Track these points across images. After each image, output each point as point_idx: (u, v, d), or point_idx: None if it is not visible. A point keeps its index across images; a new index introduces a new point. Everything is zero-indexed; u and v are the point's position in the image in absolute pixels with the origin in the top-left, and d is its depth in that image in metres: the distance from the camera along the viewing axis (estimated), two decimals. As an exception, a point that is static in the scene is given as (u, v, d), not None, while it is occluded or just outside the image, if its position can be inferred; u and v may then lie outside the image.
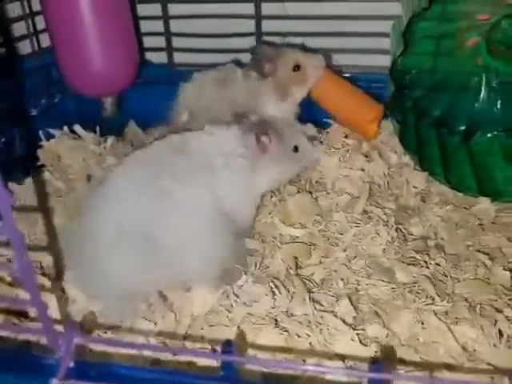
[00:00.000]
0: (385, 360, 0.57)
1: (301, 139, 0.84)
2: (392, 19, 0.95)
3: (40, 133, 1.00)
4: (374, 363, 0.44)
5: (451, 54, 0.92)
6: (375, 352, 0.61)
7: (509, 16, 0.86)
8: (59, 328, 0.43)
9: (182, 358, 0.58)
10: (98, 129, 1.03)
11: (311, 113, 1.00)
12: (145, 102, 1.09)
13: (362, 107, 0.94)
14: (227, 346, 0.46)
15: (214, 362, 0.60)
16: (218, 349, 0.58)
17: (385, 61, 0.98)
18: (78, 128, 1.03)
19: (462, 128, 0.98)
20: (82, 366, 0.41)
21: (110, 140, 1.03)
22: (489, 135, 0.97)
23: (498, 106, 0.96)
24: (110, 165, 0.98)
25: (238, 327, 0.65)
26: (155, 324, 0.68)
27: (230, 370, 0.45)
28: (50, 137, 1.01)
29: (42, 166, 0.97)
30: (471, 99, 0.96)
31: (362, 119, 0.93)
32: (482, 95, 0.95)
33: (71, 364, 0.41)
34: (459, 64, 0.93)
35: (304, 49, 0.98)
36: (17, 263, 0.38)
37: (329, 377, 0.55)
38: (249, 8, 1.02)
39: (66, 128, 1.04)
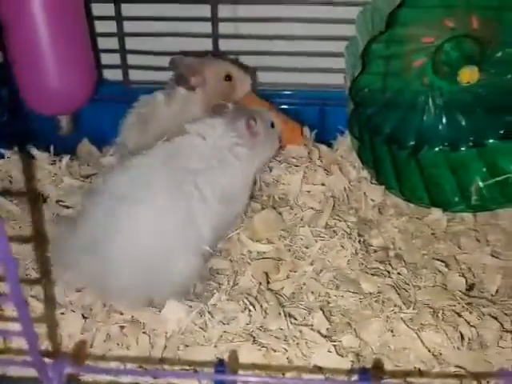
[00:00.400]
0: (373, 369, 0.59)
1: (271, 115, 0.90)
2: (344, 40, 1.00)
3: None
4: (363, 373, 0.45)
5: (400, 74, 0.97)
6: (352, 362, 0.63)
7: (451, 39, 0.93)
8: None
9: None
10: (52, 148, 1.00)
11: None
12: (100, 120, 1.07)
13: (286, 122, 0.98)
14: (220, 365, 0.46)
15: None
16: (199, 369, 0.58)
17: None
18: (31, 148, 0.99)
19: (412, 143, 1.04)
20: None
21: (65, 159, 1.01)
22: (435, 149, 1.05)
23: (444, 122, 1.03)
24: (67, 184, 0.96)
25: (215, 346, 0.65)
26: (127, 348, 0.67)
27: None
28: (-1, 157, 0.97)
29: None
30: (419, 116, 1.02)
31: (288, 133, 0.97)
32: (428, 113, 1.02)
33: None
34: (407, 83, 0.98)
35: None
36: (10, 293, 0.37)
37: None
38: (206, 26, 1.03)
39: (16, 148, 1.00)
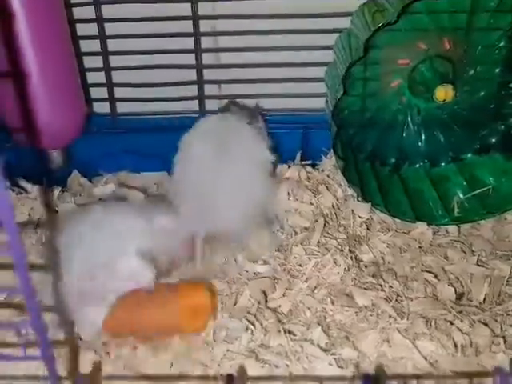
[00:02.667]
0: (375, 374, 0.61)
1: None
2: (323, 65, 1.04)
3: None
4: (366, 378, 0.47)
5: (378, 95, 1.02)
6: (353, 372, 0.65)
7: (424, 60, 0.98)
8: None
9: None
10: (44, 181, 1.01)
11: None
12: (89, 152, 1.09)
13: None
14: (229, 380, 0.48)
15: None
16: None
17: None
18: (22, 181, 1.00)
19: (393, 160, 1.08)
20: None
21: (56, 192, 1.02)
22: (416, 165, 1.09)
23: (422, 139, 1.07)
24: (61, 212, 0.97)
25: (219, 365, 0.66)
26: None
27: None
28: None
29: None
30: (398, 134, 1.07)
31: None
32: (407, 130, 1.07)
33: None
34: (386, 103, 1.03)
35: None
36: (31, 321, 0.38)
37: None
38: (190, 58, 1.07)
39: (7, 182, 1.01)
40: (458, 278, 0.87)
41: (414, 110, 1.04)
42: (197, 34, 1.05)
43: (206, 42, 1.07)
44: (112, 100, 1.10)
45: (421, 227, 0.98)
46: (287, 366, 0.66)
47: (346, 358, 0.68)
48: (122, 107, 1.12)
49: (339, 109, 0.97)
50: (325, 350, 0.68)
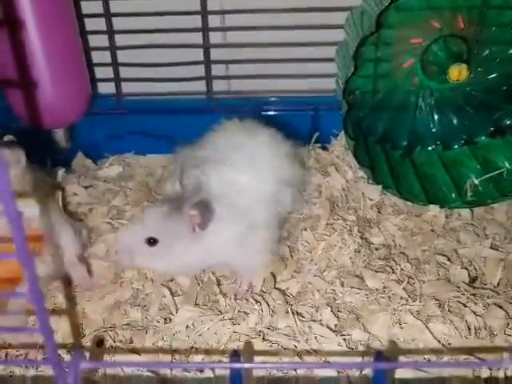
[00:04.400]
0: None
1: None
2: (334, 45, 1.02)
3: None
4: (378, 354, 0.45)
5: (390, 76, 0.99)
6: (363, 354, 0.63)
7: (438, 39, 0.95)
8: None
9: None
10: (48, 161, 1.00)
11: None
12: (93, 133, 1.08)
13: None
14: (235, 355, 0.46)
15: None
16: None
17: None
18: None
19: (404, 143, 1.06)
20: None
21: (61, 172, 1.00)
22: (429, 148, 1.06)
23: (435, 121, 1.05)
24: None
25: (226, 346, 0.65)
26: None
27: (238, 379, 0.46)
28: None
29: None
30: (411, 116, 1.04)
31: None
32: (419, 112, 1.04)
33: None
34: (398, 84, 1.00)
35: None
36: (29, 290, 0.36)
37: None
38: (197, 37, 1.04)
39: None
40: (471, 262, 0.85)
41: (426, 92, 1.02)
42: (204, 13, 1.02)
43: (213, 21, 1.04)
44: (117, 80, 1.08)
45: (433, 210, 0.95)
46: (295, 347, 0.64)
47: (355, 340, 0.66)
48: (127, 87, 1.10)
49: (350, 88, 0.95)
50: (334, 332, 0.66)
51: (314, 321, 0.68)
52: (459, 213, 0.97)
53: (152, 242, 0.71)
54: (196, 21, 1.03)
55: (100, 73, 1.10)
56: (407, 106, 1.03)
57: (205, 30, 1.03)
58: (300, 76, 1.08)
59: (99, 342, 0.65)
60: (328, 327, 0.66)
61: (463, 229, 0.92)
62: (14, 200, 0.34)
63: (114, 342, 0.66)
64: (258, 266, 0.76)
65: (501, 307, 0.73)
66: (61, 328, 0.66)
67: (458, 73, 0.92)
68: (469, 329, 0.70)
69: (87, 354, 0.60)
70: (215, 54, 1.07)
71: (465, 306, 0.73)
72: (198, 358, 0.64)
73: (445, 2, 0.93)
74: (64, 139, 0.97)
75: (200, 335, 0.67)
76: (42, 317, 0.39)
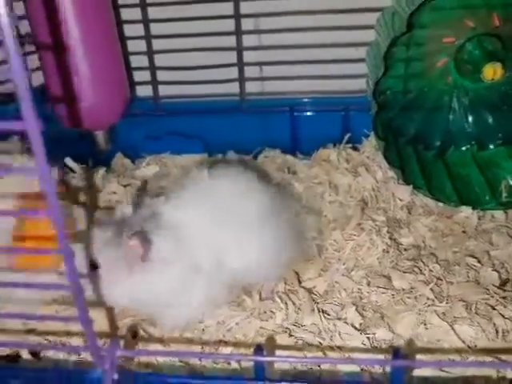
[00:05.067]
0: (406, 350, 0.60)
1: None
2: (364, 45, 1.02)
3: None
4: (396, 352, 0.47)
5: (422, 75, 0.99)
6: (386, 354, 0.64)
7: (472, 38, 0.94)
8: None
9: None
10: (90, 161, 1.05)
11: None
12: (132, 134, 1.12)
13: None
14: (259, 349, 0.48)
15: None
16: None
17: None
18: (68, 161, 1.04)
19: (438, 144, 1.05)
20: (126, 377, 0.43)
21: (101, 172, 1.05)
22: (462, 149, 1.05)
23: (470, 121, 1.03)
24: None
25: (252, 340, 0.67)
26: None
27: (262, 371, 0.48)
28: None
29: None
30: (444, 116, 1.03)
31: None
32: (453, 112, 1.03)
33: (115, 376, 0.43)
34: (431, 84, 1.00)
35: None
36: (69, 279, 0.39)
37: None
38: (231, 40, 1.07)
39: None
40: (503, 264, 0.84)
41: (461, 91, 1.01)
42: (237, 16, 1.05)
43: (246, 24, 1.07)
44: (154, 83, 1.12)
45: (465, 211, 0.94)
46: (320, 344, 0.66)
47: (379, 339, 0.67)
48: (164, 90, 1.14)
49: (381, 89, 0.95)
50: (359, 330, 0.67)
51: (339, 319, 0.69)
52: (493, 214, 0.96)
53: (93, 266, 0.67)
54: (230, 24, 1.06)
55: (138, 76, 1.14)
56: (440, 106, 1.02)
57: (238, 33, 1.06)
58: (331, 77, 1.09)
59: (134, 334, 0.69)
60: (352, 326, 0.67)
61: (496, 231, 0.91)
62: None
63: (147, 334, 0.70)
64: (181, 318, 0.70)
65: (531, 311, 0.72)
66: (98, 318, 0.69)
67: (492, 72, 0.91)
68: (496, 332, 0.70)
69: (122, 344, 0.63)
70: (250, 56, 1.10)
71: (493, 308, 0.73)
72: (227, 350, 0.67)
73: (479, 1, 0.92)
74: (104, 141, 1.01)
75: (229, 330, 0.70)
76: (81, 306, 0.43)
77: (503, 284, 0.81)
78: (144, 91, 1.15)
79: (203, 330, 0.71)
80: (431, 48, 0.97)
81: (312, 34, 1.06)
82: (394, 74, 0.98)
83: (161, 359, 0.65)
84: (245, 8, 1.05)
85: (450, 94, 1.01)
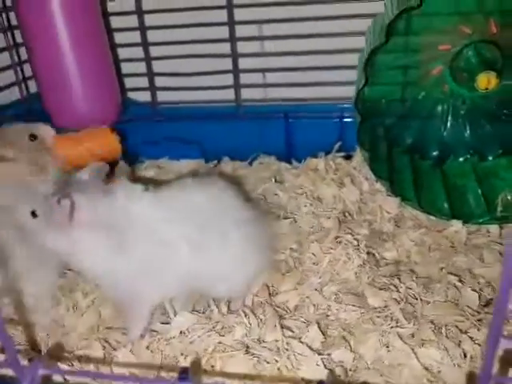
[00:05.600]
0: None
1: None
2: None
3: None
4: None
5: (418, 83, 0.96)
6: (338, 376, 0.63)
7: (468, 46, 0.90)
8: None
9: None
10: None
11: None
12: (130, 139, 1.14)
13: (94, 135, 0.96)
14: (184, 372, 0.48)
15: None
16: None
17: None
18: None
19: (435, 153, 1.02)
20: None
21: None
22: (461, 159, 1.01)
23: (467, 130, 1.00)
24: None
25: (211, 355, 0.67)
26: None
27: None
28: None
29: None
30: (441, 125, 1.00)
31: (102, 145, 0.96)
32: (450, 121, 0.99)
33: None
34: (427, 92, 0.97)
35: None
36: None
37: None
38: (226, 47, 1.07)
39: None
40: (489, 283, 0.81)
41: (457, 100, 0.97)
42: (231, 23, 1.05)
43: (240, 31, 1.06)
44: (153, 89, 1.14)
45: (455, 225, 0.91)
46: (276, 361, 0.65)
47: (336, 360, 0.66)
48: (161, 96, 1.15)
49: (370, 98, 0.93)
50: (315, 350, 0.66)
51: (299, 338, 0.69)
52: (488, 229, 0.92)
53: (34, 214, 0.71)
54: (225, 31, 1.06)
55: (137, 82, 1.16)
56: (437, 115, 0.99)
57: (232, 40, 1.06)
58: (327, 83, 1.07)
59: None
60: (308, 346, 0.66)
61: (487, 247, 0.88)
62: None
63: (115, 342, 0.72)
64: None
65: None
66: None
67: (486, 81, 0.87)
68: (465, 356, 0.67)
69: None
70: (245, 63, 1.10)
71: (464, 332, 0.70)
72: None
73: (475, 6, 0.88)
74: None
75: (191, 343, 0.71)
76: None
77: (486, 305, 0.77)
78: (142, 97, 1.16)
79: (168, 340, 0.72)
80: (426, 55, 0.94)
81: (308, 41, 1.05)
82: (388, 81, 0.96)
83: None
84: (238, 15, 1.05)
85: (446, 103, 0.98)
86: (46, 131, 0.91)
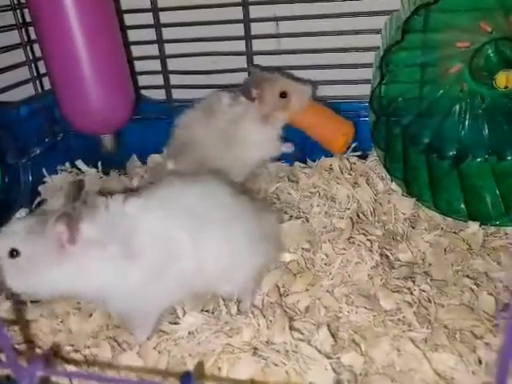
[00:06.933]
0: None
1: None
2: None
3: (43, 170, 1.06)
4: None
5: (436, 81, 0.94)
6: (348, 381, 0.62)
7: (488, 43, 0.88)
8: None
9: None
10: (99, 164, 1.09)
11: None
12: (145, 136, 1.14)
13: (334, 123, 0.98)
14: (186, 377, 0.47)
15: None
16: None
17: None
18: (80, 163, 1.08)
19: (453, 153, 0.99)
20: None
21: (113, 174, 1.08)
22: (479, 159, 0.99)
23: (486, 130, 0.97)
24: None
25: (219, 357, 0.67)
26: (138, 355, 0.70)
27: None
28: (52, 173, 1.07)
29: (43, 200, 1.02)
30: (459, 124, 0.97)
31: (331, 132, 0.97)
32: (468, 120, 0.97)
33: (34, 394, 0.44)
34: (445, 90, 0.94)
35: (295, 78, 1.02)
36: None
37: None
38: (241, 45, 1.06)
39: (67, 164, 1.10)
40: (507, 287, 0.78)
41: (476, 98, 0.94)
42: (247, 21, 1.04)
43: (255, 29, 1.05)
44: (167, 87, 1.14)
45: (472, 227, 0.89)
46: (284, 364, 0.64)
47: (346, 364, 0.64)
48: (176, 94, 1.15)
49: (387, 96, 0.92)
50: (325, 354, 0.65)
51: (308, 341, 0.67)
52: (506, 231, 0.89)
53: (14, 253, 0.63)
54: (240, 29, 1.05)
55: (152, 80, 1.15)
56: (455, 113, 0.97)
57: (247, 38, 1.05)
58: (343, 82, 1.05)
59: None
60: (316, 349, 0.65)
61: (506, 249, 0.85)
62: None
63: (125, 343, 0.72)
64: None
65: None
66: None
67: (505, 79, 0.85)
68: (480, 363, 0.65)
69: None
70: (259, 60, 1.09)
71: (480, 337, 0.68)
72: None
73: (495, 3, 0.86)
74: (111, 144, 1.03)
75: (198, 344, 0.70)
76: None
77: (503, 309, 0.75)
78: (157, 94, 1.16)
79: (176, 340, 0.71)
80: (445, 53, 0.91)
81: (324, 39, 1.03)
82: (405, 79, 0.94)
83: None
84: (254, 12, 1.04)
85: (464, 102, 0.95)
86: (299, 96, 0.95)
